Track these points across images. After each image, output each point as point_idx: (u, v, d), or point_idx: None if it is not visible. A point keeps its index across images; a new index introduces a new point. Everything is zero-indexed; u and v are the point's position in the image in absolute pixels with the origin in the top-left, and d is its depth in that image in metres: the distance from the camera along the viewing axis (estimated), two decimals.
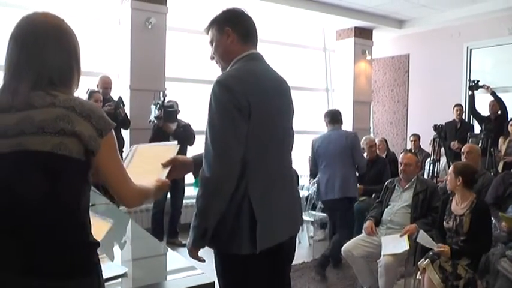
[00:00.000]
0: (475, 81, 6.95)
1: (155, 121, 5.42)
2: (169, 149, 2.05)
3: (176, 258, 2.26)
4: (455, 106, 7.30)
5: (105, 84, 5.73)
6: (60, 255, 1.37)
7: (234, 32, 2.04)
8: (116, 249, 2.36)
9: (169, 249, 2.39)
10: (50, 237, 1.36)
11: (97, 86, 5.68)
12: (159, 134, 5.40)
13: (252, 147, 1.90)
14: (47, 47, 1.42)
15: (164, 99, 5.47)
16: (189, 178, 5.75)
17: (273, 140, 2.01)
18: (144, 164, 1.97)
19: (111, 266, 1.96)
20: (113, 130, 1.47)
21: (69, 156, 1.36)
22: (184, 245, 5.74)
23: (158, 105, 5.38)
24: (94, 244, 1.46)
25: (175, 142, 1.82)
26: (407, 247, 3.79)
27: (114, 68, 6.40)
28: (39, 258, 1.34)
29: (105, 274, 1.63)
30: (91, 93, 5.23)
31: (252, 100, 1.88)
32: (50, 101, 1.38)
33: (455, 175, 3.63)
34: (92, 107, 1.44)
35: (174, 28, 6.89)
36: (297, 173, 5.21)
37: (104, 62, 6.43)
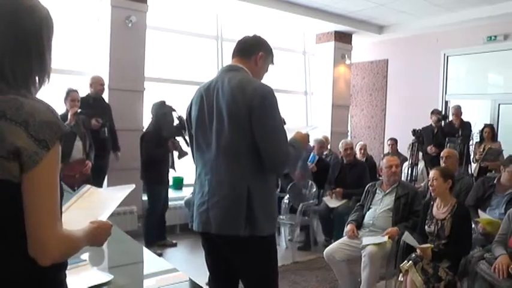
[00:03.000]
0: (442, 115, 7.10)
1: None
2: (123, 190, 1.72)
3: (159, 261, 2.26)
4: (432, 112, 7.40)
5: (99, 85, 5.54)
6: None
7: None
8: (99, 254, 2.29)
9: (153, 252, 2.37)
10: None
11: (90, 85, 5.52)
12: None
13: None
14: None
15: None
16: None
17: None
18: (85, 208, 1.60)
19: (95, 273, 1.91)
20: (58, 142, 1.12)
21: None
22: (175, 244, 5.73)
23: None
24: (46, 270, 1.15)
25: (133, 185, 1.68)
26: (386, 239, 3.87)
27: (92, 66, 6.25)
28: None
29: (90, 282, 1.58)
30: (68, 92, 4.97)
31: None
32: None
33: (444, 179, 3.66)
34: (34, 110, 1.10)
35: (155, 27, 6.81)
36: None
37: (81, 60, 6.28)
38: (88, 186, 1.73)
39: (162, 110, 5.41)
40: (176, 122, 5.39)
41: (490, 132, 6.88)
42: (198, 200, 2.35)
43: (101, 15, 6.22)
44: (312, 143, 6.57)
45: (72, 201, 1.60)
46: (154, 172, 5.40)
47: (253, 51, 2.40)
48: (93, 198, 1.65)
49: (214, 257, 2.47)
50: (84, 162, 4.79)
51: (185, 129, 5.19)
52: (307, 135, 2.53)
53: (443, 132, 6.94)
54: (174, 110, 5.43)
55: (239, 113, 2.18)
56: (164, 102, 5.48)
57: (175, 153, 5.58)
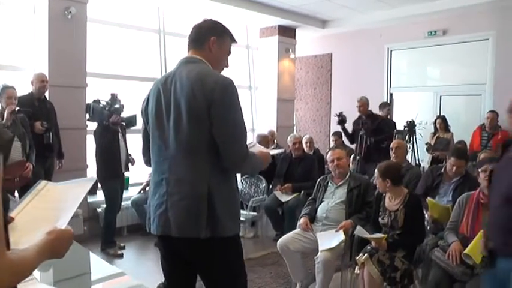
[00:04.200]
0: (341, 116, 7.10)
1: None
2: (83, 185, 1.58)
3: (108, 267, 2.13)
4: (380, 106, 7.55)
5: (40, 82, 5.18)
6: None
7: None
8: (41, 266, 2.12)
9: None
10: None
11: (31, 83, 5.18)
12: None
13: None
14: None
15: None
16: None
17: None
18: (42, 209, 1.45)
19: None
20: None
21: None
22: (123, 247, 5.54)
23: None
24: None
25: (94, 178, 1.54)
26: (342, 237, 3.85)
27: (30, 61, 5.90)
28: None
29: None
30: (3, 89, 4.63)
31: None
32: None
33: (382, 178, 3.71)
34: None
35: (96, 20, 6.53)
36: None
37: (17, 54, 5.92)
38: (44, 182, 1.58)
39: (94, 102, 5.28)
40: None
41: (442, 123, 7.20)
42: (155, 201, 2.22)
43: (37, 6, 5.86)
44: (256, 139, 6.54)
45: (27, 201, 1.45)
46: (104, 166, 5.26)
47: (204, 39, 2.25)
48: (51, 198, 1.49)
49: (171, 261, 2.34)
50: (24, 164, 4.44)
51: (117, 112, 5.18)
52: (269, 154, 2.45)
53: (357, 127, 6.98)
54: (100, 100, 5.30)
55: (198, 107, 2.06)
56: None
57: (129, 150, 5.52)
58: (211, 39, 2.24)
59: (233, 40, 2.34)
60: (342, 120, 7.02)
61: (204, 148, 2.10)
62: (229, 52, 2.35)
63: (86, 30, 6.01)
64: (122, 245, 5.62)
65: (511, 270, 2.21)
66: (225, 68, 2.34)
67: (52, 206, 1.42)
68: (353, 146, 7.20)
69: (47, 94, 5.40)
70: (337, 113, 7.10)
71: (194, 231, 2.08)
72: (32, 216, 1.36)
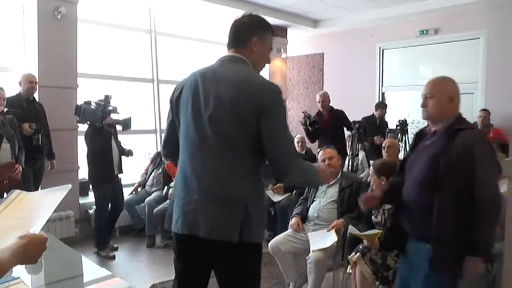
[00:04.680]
0: (308, 117, 7.01)
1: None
2: (58, 193, 1.51)
3: (98, 269, 2.12)
4: (377, 106, 7.54)
5: (28, 83, 5.11)
6: None
7: None
8: (31, 269, 2.09)
9: (90, 260, 2.23)
10: None
11: (19, 84, 5.12)
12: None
13: None
14: None
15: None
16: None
17: None
18: (15, 218, 1.39)
19: None
20: None
21: None
22: (116, 248, 5.53)
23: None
24: None
25: (69, 186, 1.49)
26: (335, 239, 3.83)
27: (20, 62, 5.84)
28: None
29: None
30: None
31: None
32: None
33: (378, 176, 3.68)
34: None
35: (86, 20, 6.48)
36: None
37: (6, 55, 5.86)
38: (17, 191, 1.52)
39: (85, 103, 5.20)
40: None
41: None
42: (183, 197, 2.11)
43: (26, 6, 5.79)
44: None
45: None
46: (95, 169, 5.21)
47: (245, 40, 2.18)
48: (25, 206, 1.43)
49: (190, 262, 2.23)
50: (14, 166, 4.39)
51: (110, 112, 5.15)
52: (327, 170, 2.51)
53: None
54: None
55: (246, 113, 2.00)
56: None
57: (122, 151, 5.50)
58: (253, 40, 2.18)
59: (273, 34, 2.29)
60: (309, 122, 6.93)
61: (247, 151, 2.05)
62: (271, 48, 2.29)
63: (76, 30, 5.96)
64: (115, 246, 5.60)
65: (421, 253, 2.35)
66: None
67: (26, 215, 1.37)
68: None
69: (36, 95, 5.34)
70: (304, 112, 7.03)
71: (226, 234, 2.02)
72: (3, 224, 1.32)
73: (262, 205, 2.14)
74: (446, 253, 2.30)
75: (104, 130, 5.12)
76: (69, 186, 1.50)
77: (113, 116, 5.18)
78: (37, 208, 1.41)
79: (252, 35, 2.18)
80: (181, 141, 2.18)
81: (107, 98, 5.17)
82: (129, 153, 5.58)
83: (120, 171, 5.51)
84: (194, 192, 2.07)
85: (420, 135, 2.63)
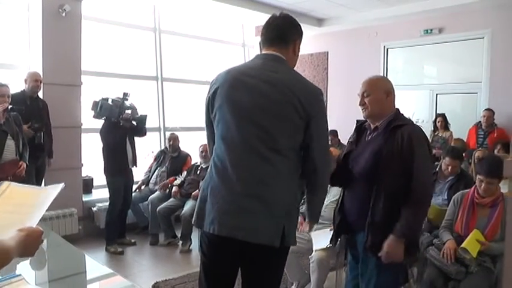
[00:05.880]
0: None
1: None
2: (50, 191, 1.50)
3: (99, 267, 2.18)
4: None
5: (33, 81, 5.14)
6: None
7: None
8: (35, 266, 2.11)
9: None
10: None
11: (25, 81, 5.14)
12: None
13: None
14: None
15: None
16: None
17: None
18: (11, 212, 1.40)
19: None
20: None
21: None
22: (134, 243, 5.61)
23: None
24: None
25: (62, 184, 1.48)
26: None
27: (24, 59, 5.86)
28: None
29: None
30: None
31: None
32: None
33: None
34: None
35: (91, 18, 6.50)
36: None
37: (12, 52, 5.88)
38: (7, 182, 1.52)
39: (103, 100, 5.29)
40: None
41: (443, 121, 7.21)
42: (222, 197, 2.04)
43: (31, 3, 5.81)
44: None
45: None
46: (110, 163, 5.33)
47: (289, 40, 2.17)
48: (17, 200, 1.44)
49: (220, 262, 2.17)
50: (18, 163, 4.39)
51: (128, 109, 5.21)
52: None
53: None
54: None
55: (292, 110, 2.00)
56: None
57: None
58: (297, 41, 2.20)
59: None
60: None
61: (291, 154, 2.05)
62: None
63: (80, 28, 5.98)
64: (132, 240, 5.73)
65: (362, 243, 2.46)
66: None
67: (19, 210, 1.38)
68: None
69: (40, 92, 5.36)
70: None
71: (269, 239, 1.99)
72: None
73: (298, 211, 2.19)
74: (376, 238, 2.37)
75: (119, 125, 5.25)
76: (62, 185, 1.50)
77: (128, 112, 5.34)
78: (29, 205, 1.42)
79: (296, 37, 2.20)
80: (220, 140, 2.12)
81: (125, 95, 5.33)
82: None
83: (135, 164, 5.58)
84: (236, 193, 2.02)
85: (360, 128, 2.69)
